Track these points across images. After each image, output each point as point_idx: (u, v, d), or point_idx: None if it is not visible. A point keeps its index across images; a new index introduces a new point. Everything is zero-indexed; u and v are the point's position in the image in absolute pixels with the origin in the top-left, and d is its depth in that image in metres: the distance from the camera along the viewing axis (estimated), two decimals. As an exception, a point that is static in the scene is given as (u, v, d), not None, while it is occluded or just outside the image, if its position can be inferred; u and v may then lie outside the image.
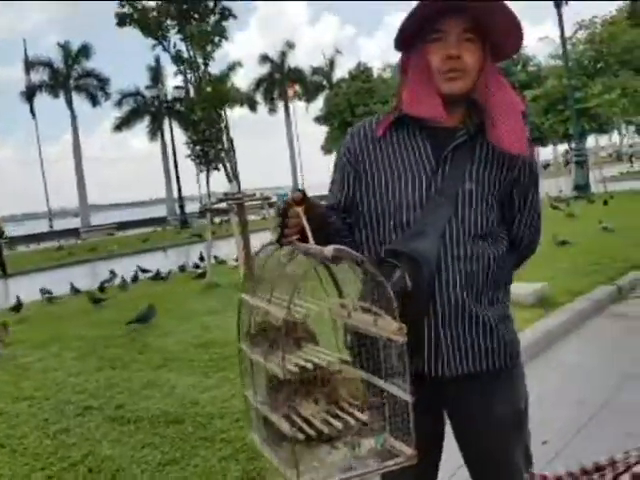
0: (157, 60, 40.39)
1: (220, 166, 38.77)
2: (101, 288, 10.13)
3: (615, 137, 57.59)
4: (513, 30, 1.49)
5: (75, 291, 10.52)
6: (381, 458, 1.35)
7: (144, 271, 11.95)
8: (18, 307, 9.09)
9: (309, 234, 1.37)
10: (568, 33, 27.53)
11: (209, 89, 8.83)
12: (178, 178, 33.78)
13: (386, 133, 1.61)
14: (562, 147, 45.68)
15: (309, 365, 1.39)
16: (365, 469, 1.32)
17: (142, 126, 42.52)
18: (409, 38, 1.55)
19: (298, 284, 1.39)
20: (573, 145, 24.75)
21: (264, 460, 3.24)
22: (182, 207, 34.09)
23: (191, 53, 8.62)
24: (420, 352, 1.56)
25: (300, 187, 1.68)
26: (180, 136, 39.24)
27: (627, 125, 36.36)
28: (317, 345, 1.48)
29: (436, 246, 1.50)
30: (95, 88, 39.89)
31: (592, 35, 29.44)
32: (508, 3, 1.47)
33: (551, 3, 21.17)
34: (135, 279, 11.55)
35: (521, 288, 5.65)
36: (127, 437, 3.66)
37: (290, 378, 1.37)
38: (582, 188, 20.26)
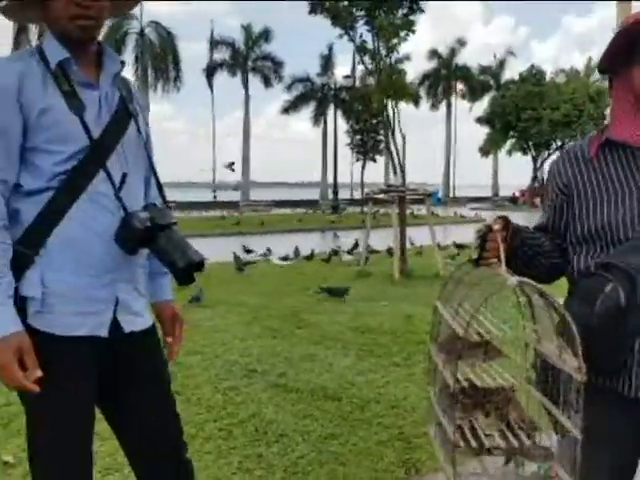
0: (330, 48, 41.46)
1: (377, 157, 39.19)
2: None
3: None
4: None
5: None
6: None
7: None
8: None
9: (502, 261, 1.43)
10: None
11: (387, 80, 8.93)
12: (336, 164, 34.54)
13: (598, 153, 1.59)
14: None
15: (478, 383, 1.48)
16: None
17: (307, 111, 43.86)
18: (614, 60, 1.53)
19: (481, 305, 1.44)
20: None
21: (420, 451, 3.28)
22: (336, 193, 34.86)
23: (376, 44, 8.77)
24: (624, 374, 1.50)
25: (504, 216, 1.68)
26: (342, 124, 40.11)
27: None
28: (509, 361, 1.53)
29: None
30: (270, 70, 41.65)
31: None
32: None
33: None
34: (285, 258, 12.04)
35: None
36: (289, 405, 3.85)
37: (464, 389, 1.47)
38: None
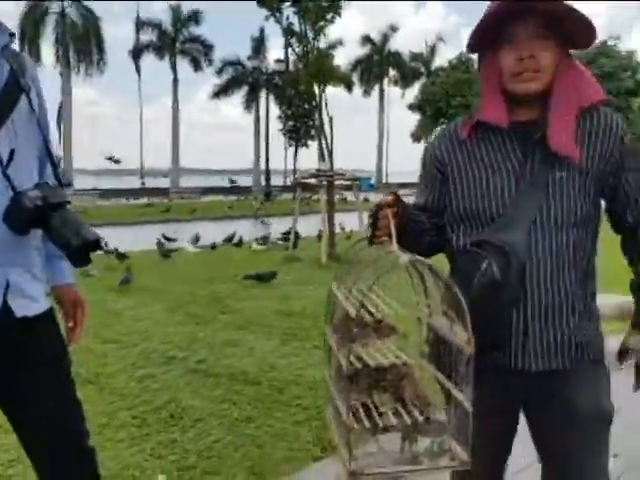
0: (261, 31, 41.04)
1: (309, 143, 39.15)
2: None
3: None
4: (584, 28, 1.47)
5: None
6: (435, 458, 1.38)
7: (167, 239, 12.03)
8: (123, 256, 9.45)
9: (394, 238, 1.42)
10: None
11: (315, 64, 8.85)
12: (267, 150, 34.40)
13: (471, 134, 1.62)
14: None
15: (371, 363, 1.44)
16: (417, 466, 1.36)
17: (239, 96, 43.29)
18: (482, 42, 1.55)
19: (373, 283, 1.43)
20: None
21: (336, 431, 3.32)
22: (268, 179, 34.76)
23: (303, 27, 8.65)
24: (505, 346, 1.56)
25: (395, 192, 1.68)
26: (274, 109, 39.88)
27: None
28: (403, 338, 1.53)
29: (525, 237, 1.50)
30: (199, 53, 40.82)
31: None
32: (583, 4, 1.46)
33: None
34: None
35: (603, 299, 5.46)
36: (208, 390, 3.82)
37: (357, 370, 1.43)
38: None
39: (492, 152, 1.59)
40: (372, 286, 1.48)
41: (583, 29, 1.48)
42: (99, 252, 10.11)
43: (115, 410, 3.50)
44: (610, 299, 5.65)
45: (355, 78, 47.90)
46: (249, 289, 7.19)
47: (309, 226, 12.95)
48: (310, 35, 9.24)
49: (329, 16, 8.85)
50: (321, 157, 10.17)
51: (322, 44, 10.23)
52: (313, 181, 9.64)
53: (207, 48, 41.01)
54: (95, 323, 5.39)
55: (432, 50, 49.53)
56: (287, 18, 9.80)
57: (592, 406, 1.58)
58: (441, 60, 55.40)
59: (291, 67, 34.09)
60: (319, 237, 11.21)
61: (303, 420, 3.43)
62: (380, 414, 1.45)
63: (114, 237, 11.13)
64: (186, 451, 3.06)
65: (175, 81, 41.47)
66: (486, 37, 1.53)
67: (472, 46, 1.59)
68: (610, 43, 37.31)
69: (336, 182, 10.22)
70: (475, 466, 1.68)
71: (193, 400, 3.65)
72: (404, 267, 1.49)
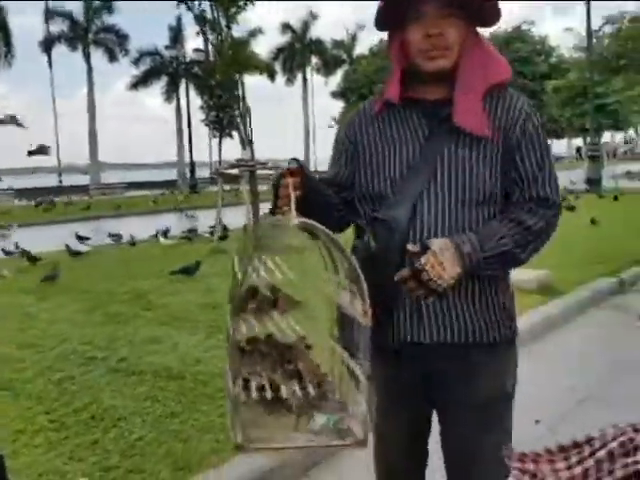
0: (178, 20, 40.09)
1: (234, 133, 38.61)
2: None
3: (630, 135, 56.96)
4: (489, 7, 1.51)
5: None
6: (330, 436, 1.37)
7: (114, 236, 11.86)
8: (34, 259, 9.13)
9: (292, 206, 1.40)
10: (595, 26, 27.13)
11: (230, 52, 8.73)
12: (191, 141, 33.76)
13: (382, 110, 1.63)
14: (577, 141, 45.29)
15: (261, 336, 1.47)
16: (308, 442, 1.35)
17: (158, 86, 42.18)
18: (390, 20, 1.56)
19: (272, 257, 1.46)
20: (588, 139, 24.56)
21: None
22: (193, 172, 34.11)
23: (215, 14, 8.49)
24: (395, 319, 1.56)
25: (297, 160, 1.66)
26: (196, 100, 39.14)
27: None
28: (306, 314, 1.53)
29: (409, 211, 1.51)
30: (114, 44, 39.50)
31: (619, 30, 28.98)
32: None
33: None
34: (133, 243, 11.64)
35: (524, 274, 5.71)
36: (130, 389, 3.75)
37: (251, 343, 1.46)
38: (594, 183, 20.19)
39: (401, 129, 1.61)
40: (274, 259, 1.48)
41: (489, 7, 1.51)
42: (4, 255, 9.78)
43: (32, 415, 3.38)
44: (528, 273, 5.91)
45: (278, 67, 47.68)
46: (173, 284, 7.07)
47: (238, 217, 12.81)
48: (223, 23, 9.11)
49: (241, 3, 8.76)
50: (242, 146, 10.09)
51: (238, 32, 10.17)
52: (234, 171, 9.55)
53: (122, 38, 39.74)
54: (9, 328, 5.19)
55: (353, 38, 49.89)
56: (199, 5, 9.63)
57: (489, 386, 1.59)
58: (362, 47, 55.92)
59: (211, 56, 33.68)
60: (245, 229, 11.09)
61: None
62: (273, 388, 1.42)
63: (27, 238, 10.71)
64: (108, 451, 2.99)
65: (90, 72, 40.00)
66: (394, 15, 1.53)
67: (380, 24, 1.59)
68: (524, 28, 38.55)
69: (260, 172, 10.15)
70: (394, 457, 1.72)
71: (114, 400, 3.58)
72: (316, 245, 1.47)
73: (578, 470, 0.89)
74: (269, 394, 1.39)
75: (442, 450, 1.71)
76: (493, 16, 1.54)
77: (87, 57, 39.65)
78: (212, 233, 11.31)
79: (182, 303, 6.00)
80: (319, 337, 1.58)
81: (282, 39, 48.33)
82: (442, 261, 1.39)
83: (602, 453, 0.87)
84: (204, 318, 5.38)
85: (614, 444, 0.88)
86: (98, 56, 40.94)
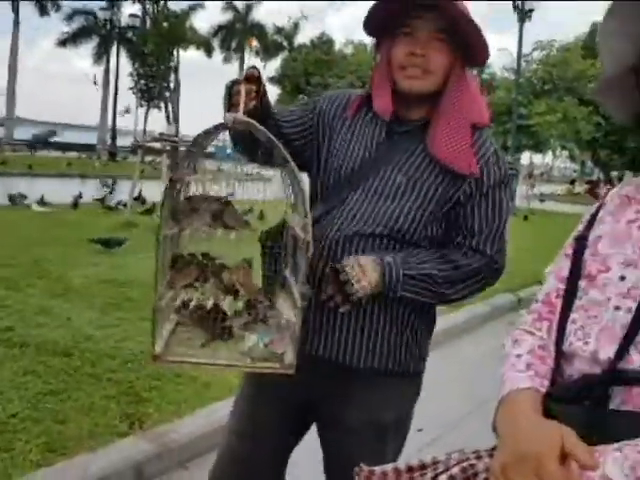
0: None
1: (162, 105, 37.72)
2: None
3: (549, 157, 59.74)
4: (479, 44, 1.48)
5: None
6: (259, 358, 1.33)
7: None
8: None
9: (241, 107, 1.33)
10: (526, 50, 28.23)
11: (165, 24, 8.48)
12: (115, 107, 32.63)
13: (357, 111, 1.60)
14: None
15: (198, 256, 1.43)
16: (231, 362, 1.31)
17: (88, 47, 40.49)
18: (380, 26, 1.52)
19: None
20: (509, 157, 25.56)
21: (147, 405, 3.25)
22: (114, 138, 33.04)
23: (152, -17, 8.30)
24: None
25: (256, 67, 1.55)
26: (126, 66, 37.87)
27: (561, 149, 37.78)
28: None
29: (325, 226, 1.50)
30: (46, -4, 37.63)
31: (547, 57, 30.30)
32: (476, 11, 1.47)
33: (515, 17, 21.66)
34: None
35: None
36: (10, 361, 3.57)
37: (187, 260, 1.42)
38: (508, 200, 21.00)
39: (358, 138, 1.57)
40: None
41: (478, 45, 1.47)
42: None
43: None
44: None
45: (216, 44, 46.78)
46: (75, 255, 6.79)
47: (158, 191, 12.46)
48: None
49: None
50: (168, 121, 9.83)
51: (178, 5, 9.88)
52: (157, 145, 9.28)
53: (55, -9, 37.87)
54: None
55: (295, 26, 49.61)
56: (139, -28, 9.31)
57: (370, 415, 1.55)
58: (304, 37, 55.75)
59: (147, 25, 32.70)
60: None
61: (113, 395, 3.31)
62: (203, 303, 1.40)
63: None
64: (-24, 426, 2.83)
65: (16, 23, 37.88)
66: (384, 23, 1.49)
67: (369, 28, 1.53)
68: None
69: (182, 148, 9.94)
70: (253, 451, 1.68)
71: (-8, 372, 3.39)
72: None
73: None
74: (196, 304, 1.36)
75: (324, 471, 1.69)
76: (482, 54, 1.50)
77: (16, 8, 37.51)
78: (125, 205, 10.98)
79: (81, 276, 5.77)
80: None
81: (224, 17, 47.48)
82: (362, 264, 1.39)
83: (444, 477, 0.91)
84: (103, 294, 5.20)
85: (456, 469, 0.91)
86: (28, 9, 38.78)
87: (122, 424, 3.06)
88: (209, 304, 1.40)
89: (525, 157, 44.29)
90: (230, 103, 1.40)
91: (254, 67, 1.43)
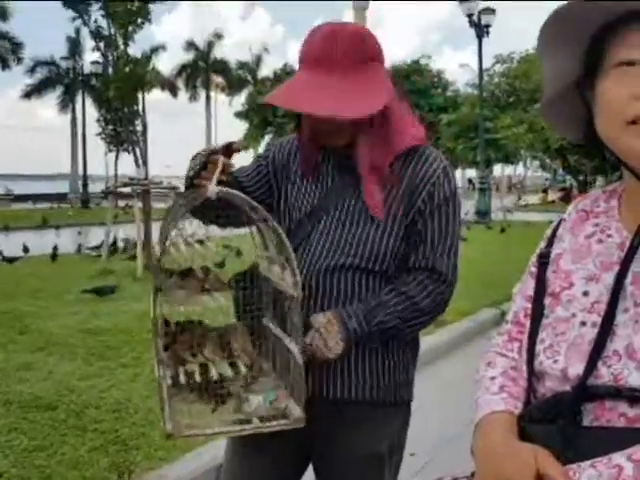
0: (77, 32, 38.74)
1: (130, 149, 37.61)
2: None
3: (520, 169, 60.57)
4: None
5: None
6: (268, 417, 1.34)
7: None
8: None
9: (214, 180, 1.34)
10: (487, 64, 28.78)
11: (127, 69, 8.55)
12: (85, 154, 32.51)
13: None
14: (471, 172, 47.64)
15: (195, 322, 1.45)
16: (245, 426, 1.31)
17: (53, 96, 40.62)
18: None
19: (174, 222, 1.44)
20: (479, 172, 25.88)
21: (135, 453, 3.21)
22: (85, 185, 32.83)
23: (112, 31, 8.34)
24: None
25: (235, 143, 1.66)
26: (92, 113, 37.83)
27: (532, 159, 38.30)
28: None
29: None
30: (7, 51, 37.60)
31: (508, 70, 30.84)
32: None
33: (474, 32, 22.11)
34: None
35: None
36: (-7, 420, 3.51)
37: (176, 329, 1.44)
38: (483, 214, 21.24)
39: (321, 172, 1.59)
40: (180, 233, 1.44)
41: None
42: None
43: None
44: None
45: (181, 83, 47.04)
46: (53, 306, 6.71)
47: (132, 236, 12.41)
48: (120, 40, 8.93)
49: (139, 21, 8.63)
50: (136, 164, 9.84)
51: (139, 48, 9.98)
52: (127, 190, 9.27)
53: (16, 46, 37.87)
54: None
55: (258, 59, 50.08)
56: (95, 21, 9.40)
57: (364, 447, 1.55)
58: (268, 70, 56.28)
59: (109, 70, 32.84)
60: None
61: (100, 445, 3.27)
62: (202, 372, 1.40)
63: None
64: (-38, 491, 2.78)
65: (-22, 78, 37.75)
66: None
67: None
68: (423, 62, 40.19)
69: (154, 190, 9.94)
70: None
71: (-25, 433, 3.33)
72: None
73: None
74: (198, 378, 1.36)
75: None
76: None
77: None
78: (99, 250, 10.90)
79: (61, 327, 5.70)
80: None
81: (186, 57, 47.84)
82: (325, 339, 1.39)
83: None
84: (83, 344, 5.14)
85: None
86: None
87: (111, 475, 3.01)
88: (214, 373, 1.40)
89: (497, 169, 44.94)
90: (200, 172, 1.41)
91: (232, 143, 1.46)
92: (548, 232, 1.11)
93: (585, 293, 0.96)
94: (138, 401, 3.86)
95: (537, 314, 1.02)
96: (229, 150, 1.43)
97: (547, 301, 1.01)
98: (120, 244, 11.29)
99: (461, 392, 4.76)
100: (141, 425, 3.52)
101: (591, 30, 0.95)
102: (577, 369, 0.90)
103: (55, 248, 11.09)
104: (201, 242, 1.58)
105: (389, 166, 1.48)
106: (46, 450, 3.19)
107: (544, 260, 1.06)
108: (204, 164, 1.41)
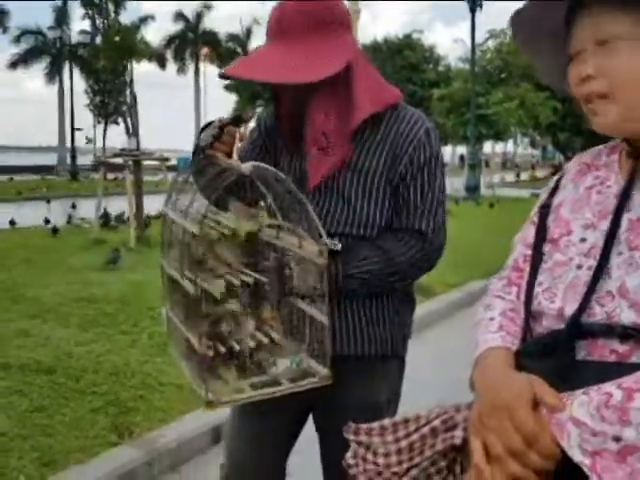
0: (64, 1, 38.09)
1: (120, 120, 37.27)
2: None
3: (510, 145, 60.59)
4: None
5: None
6: (296, 378, 1.41)
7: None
8: None
9: (235, 155, 1.39)
10: (480, 39, 28.61)
11: (117, 38, 8.47)
12: (73, 126, 32.16)
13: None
14: (461, 149, 47.61)
15: (219, 290, 1.41)
16: (276, 388, 1.38)
17: (40, 67, 39.86)
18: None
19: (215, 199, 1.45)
20: (469, 148, 25.91)
21: (134, 414, 3.30)
22: (74, 157, 32.50)
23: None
24: None
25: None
26: (80, 83, 37.38)
27: (522, 136, 38.33)
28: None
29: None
30: (-8, 19, 37.01)
31: (500, 45, 30.66)
32: None
33: (467, 7, 21.96)
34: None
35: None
36: (-6, 383, 3.58)
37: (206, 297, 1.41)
38: (472, 190, 21.32)
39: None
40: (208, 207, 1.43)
41: None
42: None
43: None
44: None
45: (169, 55, 46.38)
46: (46, 275, 6.76)
47: (124, 208, 12.39)
48: (111, 8, 8.83)
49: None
50: (128, 135, 9.80)
51: (128, 18, 9.87)
52: (118, 160, 9.24)
53: (1, 14, 37.22)
54: None
55: (248, 32, 49.42)
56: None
57: (365, 398, 1.60)
58: (258, 42, 55.40)
59: (97, 40, 32.33)
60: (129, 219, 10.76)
61: (100, 407, 3.36)
62: (236, 340, 1.43)
63: None
64: (-33, 448, 2.85)
65: (-37, 47, 37.12)
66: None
67: None
68: (415, 36, 39.89)
69: (145, 162, 9.93)
70: (254, 460, 1.73)
71: (-24, 395, 3.40)
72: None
73: (404, 443, 0.99)
74: (236, 345, 1.39)
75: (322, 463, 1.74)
76: None
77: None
78: (106, 222, 10.88)
79: (54, 295, 5.75)
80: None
81: (175, 27, 47.11)
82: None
83: (426, 429, 0.99)
84: (78, 312, 5.20)
85: (437, 422, 0.99)
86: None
87: (111, 434, 3.10)
88: (250, 344, 1.43)
89: (487, 147, 44.96)
90: (213, 143, 1.44)
91: (244, 113, 1.49)
92: (550, 184, 1.16)
93: (583, 239, 1.00)
94: (136, 366, 3.94)
95: (536, 260, 1.06)
96: (238, 121, 1.46)
97: (546, 248, 1.06)
98: (112, 215, 11.23)
99: (449, 357, 4.93)
100: (140, 388, 3.61)
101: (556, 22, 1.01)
102: (572, 308, 0.95)
103: (47, 221, 11.09)
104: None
105: (358, 129, 1.48)
106: (46, 411, 3.27)
107: (545, 209, 1.11)
108: (218, 135, 1.44)
